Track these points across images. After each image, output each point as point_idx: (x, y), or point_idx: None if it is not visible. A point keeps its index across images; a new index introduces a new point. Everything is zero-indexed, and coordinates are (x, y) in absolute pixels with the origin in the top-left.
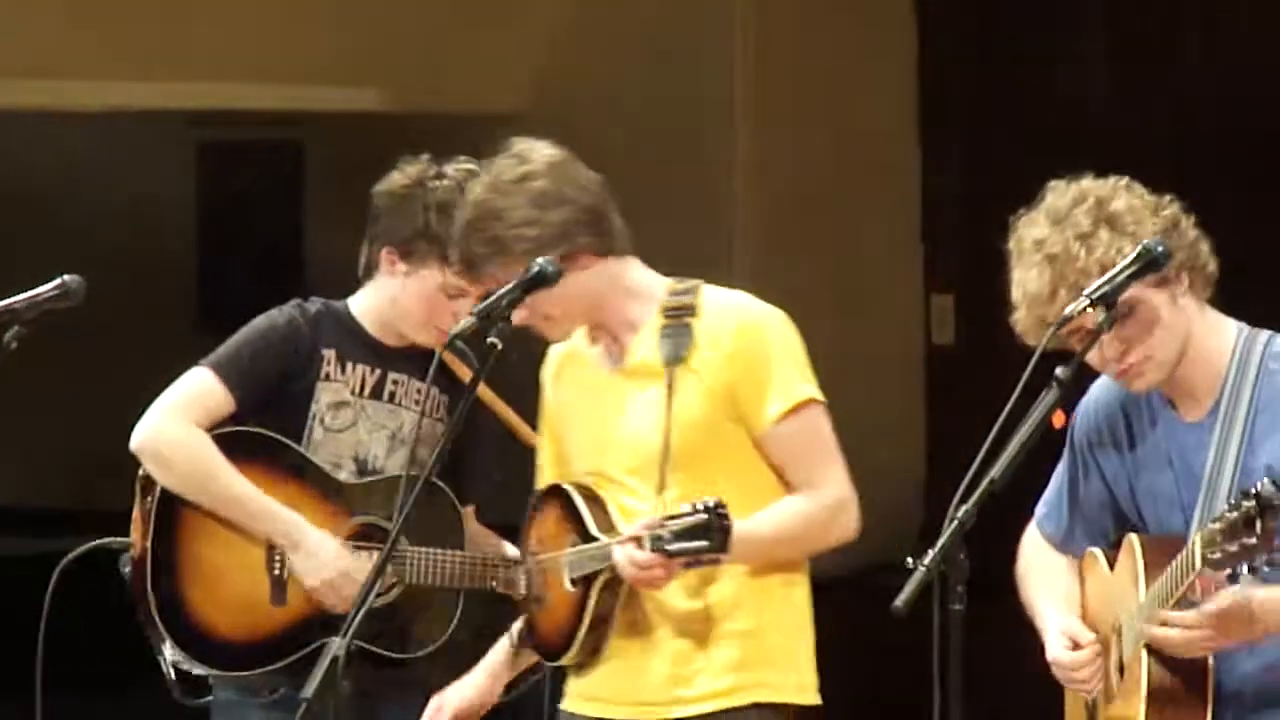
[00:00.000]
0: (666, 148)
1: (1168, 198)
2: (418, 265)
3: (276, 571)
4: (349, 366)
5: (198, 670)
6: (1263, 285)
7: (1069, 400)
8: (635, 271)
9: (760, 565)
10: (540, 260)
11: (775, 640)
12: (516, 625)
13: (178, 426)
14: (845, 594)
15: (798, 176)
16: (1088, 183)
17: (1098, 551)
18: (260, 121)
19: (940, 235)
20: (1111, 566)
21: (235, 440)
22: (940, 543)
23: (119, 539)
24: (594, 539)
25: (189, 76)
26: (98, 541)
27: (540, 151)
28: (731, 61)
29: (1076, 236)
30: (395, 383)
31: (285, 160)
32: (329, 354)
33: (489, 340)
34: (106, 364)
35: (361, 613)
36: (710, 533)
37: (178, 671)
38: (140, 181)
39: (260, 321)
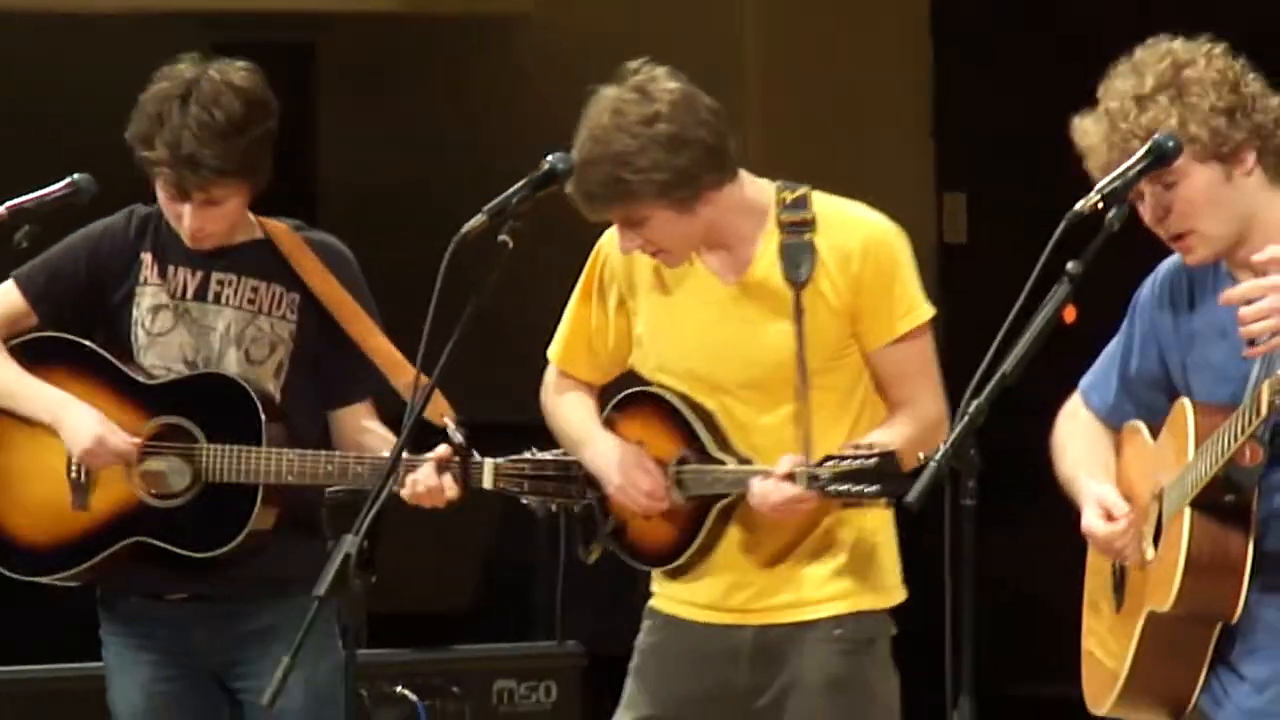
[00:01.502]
0: (673, 45)
1: (1252, 75)
2: (146, 168)
3: (75, 476)
4: (169, 270)
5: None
6: None
7: (1080, 295)
8: (747, 186)
9: None
10: (551, 157)
11: (872, 548)
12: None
13: None
14: None
15: (809, 73)
16: (1179, 43)
17: (1139, 423)
18: (272, 23)
19: (952, 132)
20: (1154, 436)
21: (36, 346)
22: (951, 438)
23: None
24: (715, 460)
25: None
26: None
27: (663, 86)
28: None
29: (1135, 96)
30: (221, 282)
31: (297, 62)
32: (146, 258)
33: (499, 238)
34: None
35: (373, 511)
36: (882, 479)
37: None
38: None
39: (79, 231)
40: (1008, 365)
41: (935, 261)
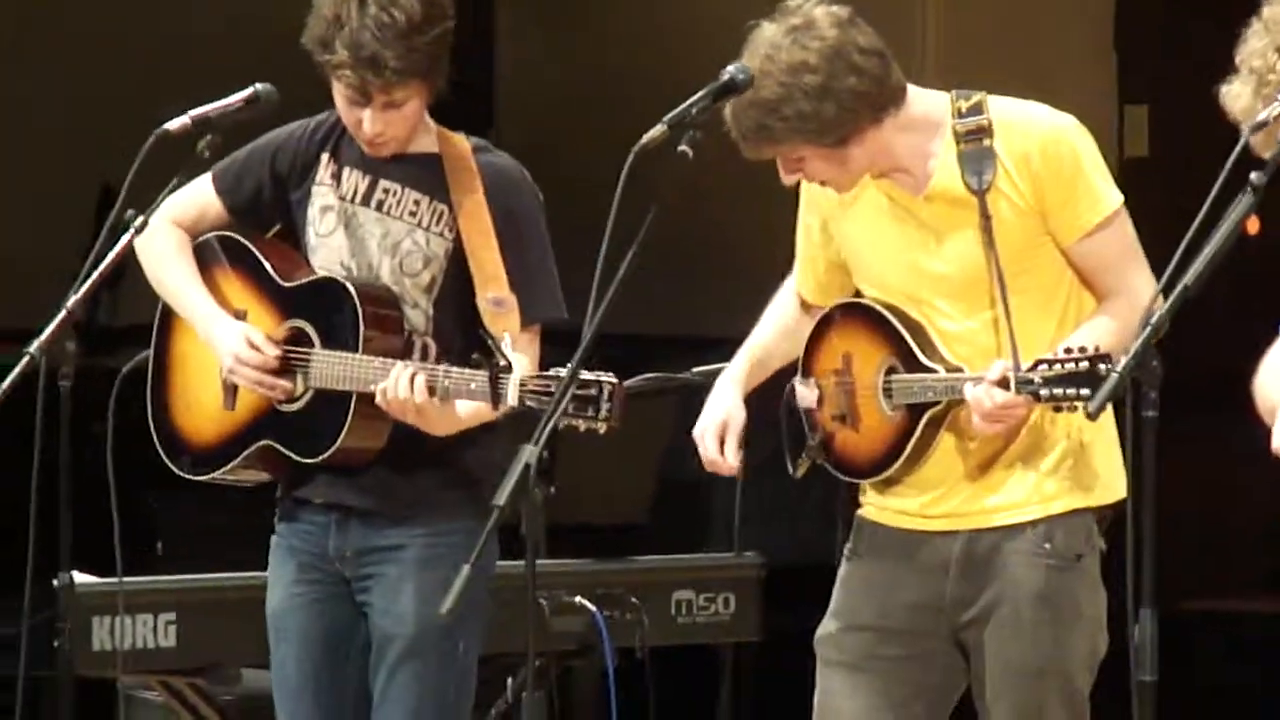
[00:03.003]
0: None
1: None
2: (327, 72)
3: (225, 375)
4: (345, 172)
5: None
6: None
7: (1263, 206)
8: (915, 103)
9: None
10: (731, 68)
11: (1082, 448)
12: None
13: (157, 225)
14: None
15: None
16: None
17: None
18: None
19: (1134, 44)
20: None
21: (220, 243)
22: (1133, 349)
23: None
24: (926, 368)
25: None
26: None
27: (817, 32)
28: None
29: (1276, 48)
30: (386, 191)
31: None
32: (324, 158)
33: (679, 148)
34: None
35: (552, 422)
36: (1095, 381)
37: None
38: None
39: (276, 129)
40: (1190, 277)
41: (1116, 174)
